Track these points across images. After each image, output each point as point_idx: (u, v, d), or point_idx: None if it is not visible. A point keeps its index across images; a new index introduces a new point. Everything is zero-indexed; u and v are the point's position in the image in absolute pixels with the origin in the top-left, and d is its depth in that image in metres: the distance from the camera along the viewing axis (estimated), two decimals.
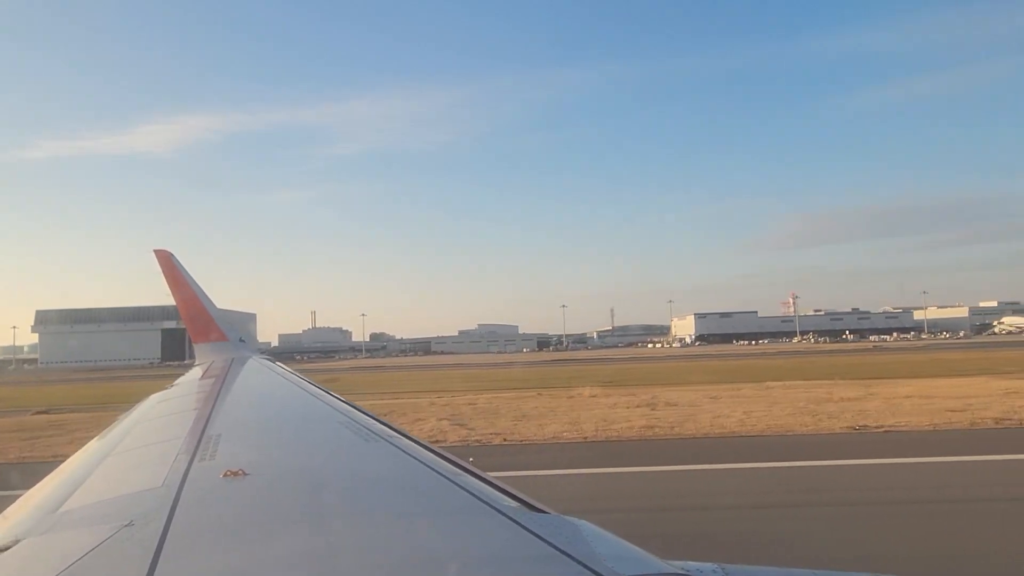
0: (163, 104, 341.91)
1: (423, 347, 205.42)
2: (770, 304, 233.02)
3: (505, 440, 19.43)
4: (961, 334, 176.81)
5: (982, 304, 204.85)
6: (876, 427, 19.46)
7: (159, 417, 4.91)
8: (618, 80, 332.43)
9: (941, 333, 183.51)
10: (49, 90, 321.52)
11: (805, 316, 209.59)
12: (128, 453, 3.53)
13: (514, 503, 2.13)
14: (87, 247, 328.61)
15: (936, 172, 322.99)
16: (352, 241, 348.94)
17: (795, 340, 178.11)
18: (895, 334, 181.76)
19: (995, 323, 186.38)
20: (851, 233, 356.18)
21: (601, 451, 17.60)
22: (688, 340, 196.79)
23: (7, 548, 2.02)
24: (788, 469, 14.94)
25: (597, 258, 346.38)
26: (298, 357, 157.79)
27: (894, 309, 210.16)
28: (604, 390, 33.64)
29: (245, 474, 2.44)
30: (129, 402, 6.61)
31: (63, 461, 3.72)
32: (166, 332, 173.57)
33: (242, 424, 4.21)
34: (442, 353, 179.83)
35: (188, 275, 10.56)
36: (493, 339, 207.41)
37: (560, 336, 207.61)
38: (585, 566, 1.56)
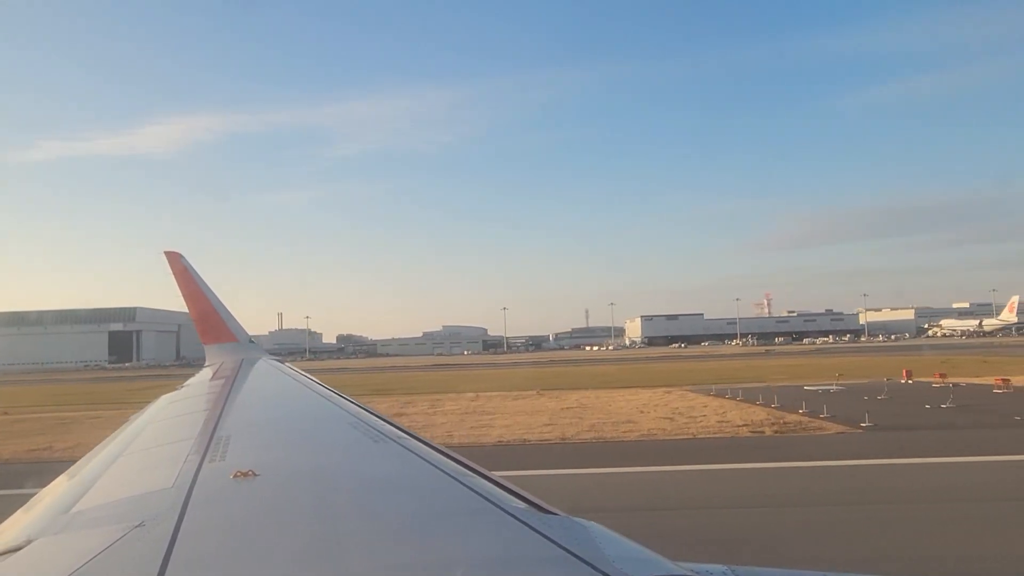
0: (165, 105, 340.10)
1: (372, 349, 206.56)
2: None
3: None
4: (907, 336, 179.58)
5: (934, 306, 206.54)
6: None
7: (170, 418, 4.95)
8: (620, 80, 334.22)
9: (879, 336, 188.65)
10: (51, 91, 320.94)
11: (766, 318, 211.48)
12: (139, 454, 3.56)
13: (523, 504, 2.14)
14: (87, 247, 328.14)
15: (938, 172, 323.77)
16: (340, 242, 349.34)
17: (734, 343, 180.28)
18: (830, 337, 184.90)
19: (928, 326, 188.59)
20: (853, 233, 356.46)
21: None
22: (636, 342, 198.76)
23: (20, 548, 2.05)
24: None
25: (598, 258, 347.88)
26: None
27: (837, 311, 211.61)
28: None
29: (255, 475, 2.45)
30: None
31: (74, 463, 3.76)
32: (113, 334, 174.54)
33: (252, 425, 4.22)
34: (387, 355, 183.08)
35: (198, 276, 10.54)
36: (456, 340, 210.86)
37: (503, 337, 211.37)
38: (594, 567, 1.57)
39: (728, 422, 26.77)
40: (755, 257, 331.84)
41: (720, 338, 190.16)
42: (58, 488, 3.07)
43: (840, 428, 24.71)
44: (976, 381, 40.51)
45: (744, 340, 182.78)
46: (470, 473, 2.58)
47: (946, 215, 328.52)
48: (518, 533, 1.85)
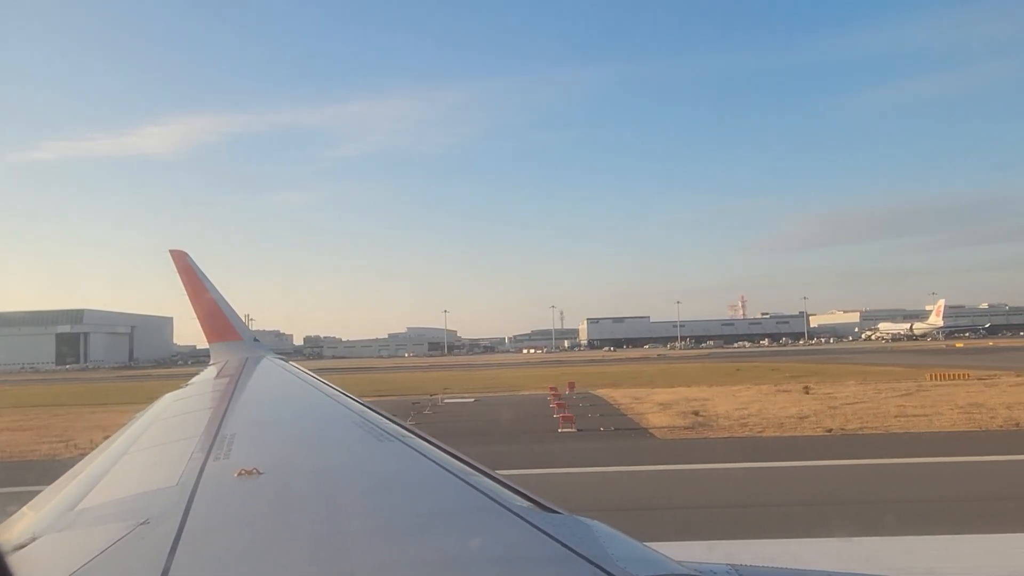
0: (166, 105, 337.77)
1: (317, 352, 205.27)
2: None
3: None
4: (848, 338, 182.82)
5: (879, 308, 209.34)
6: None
7: (174, 416, 4.98)
8: (625, 80, 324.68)
9: (816, 338, 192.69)
10: (53, 92, 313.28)
11: (711, 321, 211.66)
12: (144, 452, 3.58)
13: (526, 503, 2.15)
14: (88, 248, 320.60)
15: (940, 173, 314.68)
16: (336, 242, 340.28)
17: (677, 345, 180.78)
18: (766, 340, 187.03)
19: (866, 331, 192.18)
20: (857, 234, 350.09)
21: None
22: (581, 344, 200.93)
23: (25, 545, 2.07)
24: None
25: (600, 259, 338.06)
26: (180, 362, 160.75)
27: (787, 314, 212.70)
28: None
29: (259, 473, 2.46)
30: None
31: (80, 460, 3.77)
32: (60, 336, 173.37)
33: (256, 423, 4.24)
34: (332, 357, 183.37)
35: (203, 275, 10.54)
36: (419, 342, 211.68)
37: (448, 339, 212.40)
38: (598, 567, 1.58)
39: None
40: (760, 258, 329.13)
41: (665, 340, 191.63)
42: (63, 485, 3.07)
43: None
44: (603, 392, 40.79)
45: (684, 343, 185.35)
46: (474, 472, 2.57)
47: (952, 215, 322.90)
48: (522, 532, 1.85)
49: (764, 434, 24.58)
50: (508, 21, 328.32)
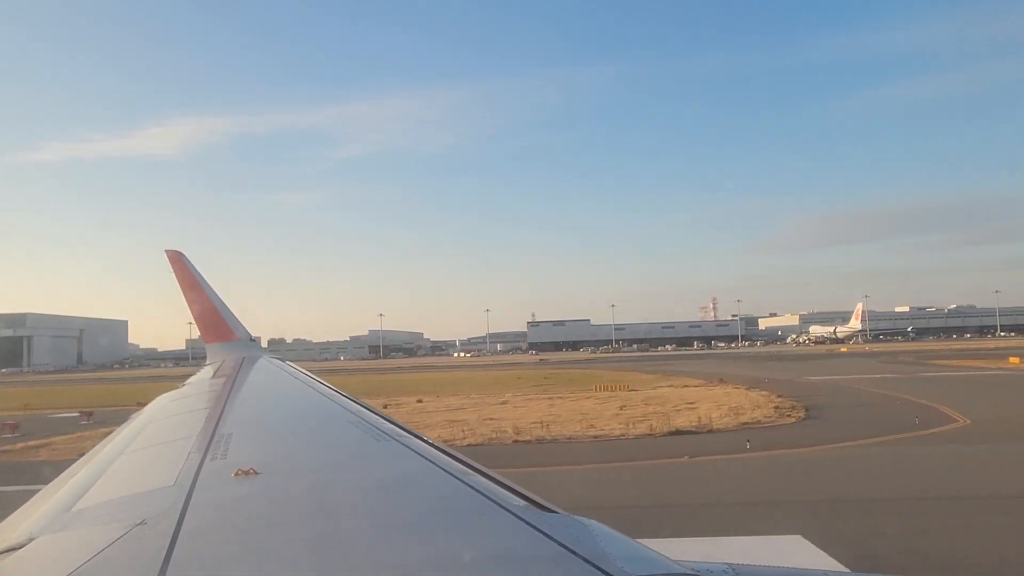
0: (168, 106, 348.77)
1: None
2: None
3: None
4: (780, 342, 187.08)
5: (819, 311, 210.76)
6: None
7: (171, 416, 4.96)
8: (628, 80, 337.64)
9: (756, 341, 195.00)
10: (55, 92, 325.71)
11: (651, 324, 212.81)
12: (140, 452, 3.56)
13: (523, 503, 2.14)
14: (90, 248, 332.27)
15: (943, 173, 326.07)
16: (332, 242, 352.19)
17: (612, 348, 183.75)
18: (696, 344, 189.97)
19: (791, 335, 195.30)
20: (860, 234, 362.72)
21: None
22: (522, 347, 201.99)
23: (22, 546, 2.05)
24: None
25: (601, 259, 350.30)
26: (129, 364, 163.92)
27: (731, 317, 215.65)
28: None
29: (256, 473, 2.45)
30: None
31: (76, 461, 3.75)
32: (1, 340, 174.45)
33: (253, 423, 4.23)
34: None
35: (199, 275, 10.49)
36: (385, 344, 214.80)
37: (413, 340, 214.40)
38: (595, 566, 1.57)
39: None
40: (764, 258, 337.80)
41: (606, 343, 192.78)
42: (60, 486, 3.06)
43: None
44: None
45: (618, 346, 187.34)
46: (471, 472, 2.57)
47: (956, 215, 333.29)
48: (519, 531, 1.85)
49: None
50: (509, 21, 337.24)
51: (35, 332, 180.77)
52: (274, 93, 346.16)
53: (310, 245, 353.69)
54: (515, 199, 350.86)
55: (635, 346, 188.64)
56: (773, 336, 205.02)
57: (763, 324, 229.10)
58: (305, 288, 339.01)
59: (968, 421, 30.02)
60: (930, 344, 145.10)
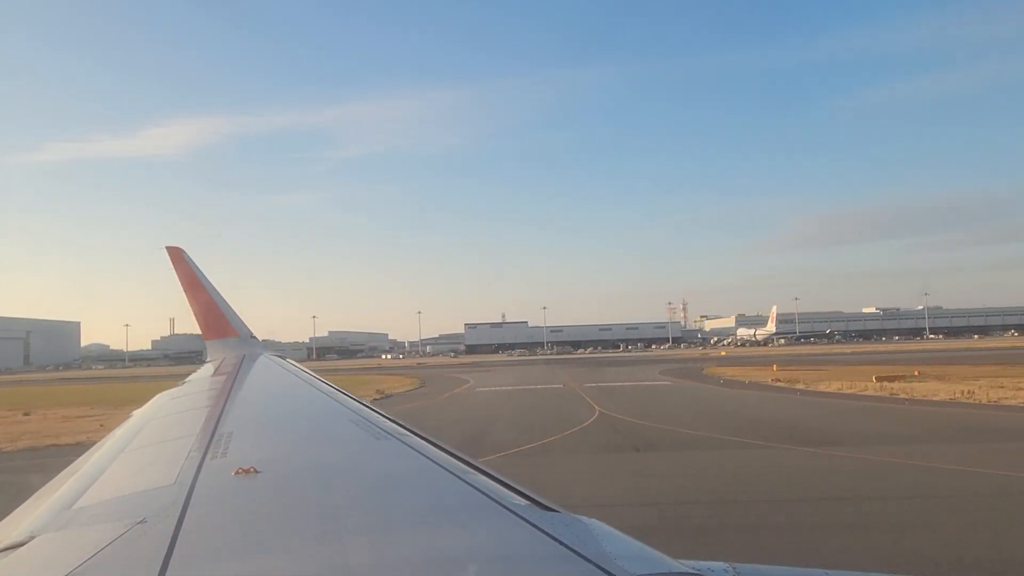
0: (170, 107, 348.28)
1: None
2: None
3: None
4: (727, 342, 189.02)
5: (755, 314, 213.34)
6: None
7: (171, 415, 4.97)
8: (624, 80, 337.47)
9: (692, 344, 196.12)
10: (57, 93, 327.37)
11: (588, 326, 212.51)
12: (141, 450, 3.57)
13: (524, 501, 2.14)
14: (91, 249, 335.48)
15: (946, 173, 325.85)
16: (335, 244, 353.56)
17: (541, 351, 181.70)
18: (628, 346, 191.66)
19: (713, 338, 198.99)
20: (862, 234, 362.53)
21: None
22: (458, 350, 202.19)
23: (22, 544, 2.05)
24: None
25: (603, 259, 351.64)
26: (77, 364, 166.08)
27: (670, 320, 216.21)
28: None
29: (256, 472, 2.46)
30: None
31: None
32: None
33: (253, 422, 4.23)
34: (192, 363, 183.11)
35: (200, 271, 10.48)
36: (338, 345, 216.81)
37: (374, 342, 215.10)
38: (596, 565, 1.57)
39: None
40: (766, 258, 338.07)
41: (542, 345, 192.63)
42: (60, 484, 3.05)
43: None
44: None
45: (553, 348, 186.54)
46: (472, 470, 2.58)
47: (961, 215, 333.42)
48: (520, 530, 1.85)
49: None
50: (510, 21, 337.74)
51: None
52: (276, 93, 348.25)
53: (310, 245, 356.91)
54: (516, 200, 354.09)
55: (583, 349, 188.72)
56: (709, 338, 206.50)
57: (709, 326, 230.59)
58: (302, 287, 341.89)
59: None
60: (816, 347, 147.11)
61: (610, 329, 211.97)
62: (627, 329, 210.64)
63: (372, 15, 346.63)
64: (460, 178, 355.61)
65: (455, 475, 2.47)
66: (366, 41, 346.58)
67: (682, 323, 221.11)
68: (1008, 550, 11.43)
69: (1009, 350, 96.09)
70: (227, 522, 2.05)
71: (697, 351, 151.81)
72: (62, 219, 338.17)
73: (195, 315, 10.27)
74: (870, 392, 39.99)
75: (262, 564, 1.71)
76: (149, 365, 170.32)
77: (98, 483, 2.81)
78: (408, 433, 3.37)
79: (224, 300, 10.45)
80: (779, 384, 48.57)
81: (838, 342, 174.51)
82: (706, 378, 59.81)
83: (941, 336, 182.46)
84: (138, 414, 5.27)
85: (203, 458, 2.81)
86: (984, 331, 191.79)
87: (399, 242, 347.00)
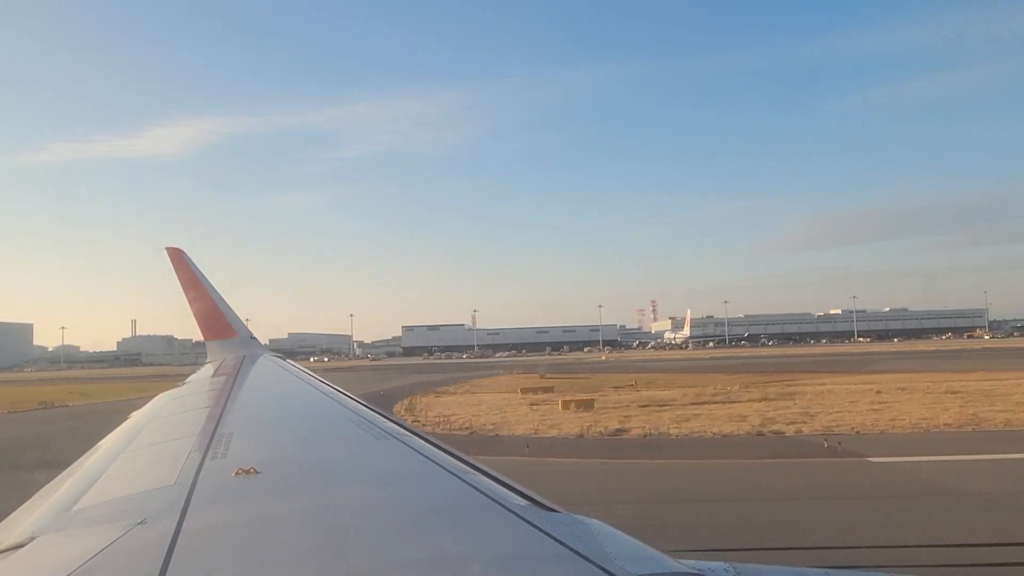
0: (172, 107, 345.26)
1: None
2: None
3: None
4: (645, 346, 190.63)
5: (697, 318, 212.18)
6: None
7: (171, 415, 4.97)
8: (628, 81, 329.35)
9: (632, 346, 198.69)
10: (60, 94, 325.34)
11: (526, 329, 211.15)
12: (141, 451, 3.57)
13: (525, 502, 2.16)
14: (95, 249, 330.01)
15: (949, 173, 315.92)
16: (336, 243, 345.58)
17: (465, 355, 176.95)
18: (564, 348, 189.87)
19: (637, 341, 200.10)
20: (864, 234, 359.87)
21: None
22: (397, 351, 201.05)
23: (22, 545, 2.06)
24: None
25: (605, 260, 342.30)
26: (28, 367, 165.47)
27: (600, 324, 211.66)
28: None
29: (257, 472, 2.46)
30: None
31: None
32: None
33: (254, 422, 4.24)
34: (149, 365, 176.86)
35: (199, 272, 10.49)
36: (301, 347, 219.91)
37: (337, 343, 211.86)
38: (596, 565, 1.58)
39: None
40: (767, 258, 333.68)
41: (483, 348, 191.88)
42: (60, 485, 3.06)
43: None
44: None
45: (483, 351, 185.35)
46: (472, 470, 2.59)
47: (965, 216, 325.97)
48: (520, 530, 1.86)
49: None
50: (511, 22, 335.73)
51: None
52: (278, 94, 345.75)
53: (309, 244, 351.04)
54: (516, 200, 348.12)
55: (537, 352, 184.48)
56: (648, 342, 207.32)
57: (655, 328, 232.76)
58: (301, 286, 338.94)
59: None
60: (718, 351, 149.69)
61: (547, 332, 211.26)
62: (564, 332, 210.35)
63: (373, 16, 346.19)
64: (460, 178, 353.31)
65: (455, 475, 2.47)
66: (368, 43, 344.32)
67: (638, 326, 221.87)
68: None
69: (865, 355, 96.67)
70: (227, 523, 2.06)
71: (602, 355, 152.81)
72: (61, 219, 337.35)
73: (195, 316, 10.31)
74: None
75: (263, 565, 1.72)
76: (107, 366, 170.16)
77: (98, 484, 2.82)
78: (408, 433, 3.39)
79: (224, 301, 10.52)
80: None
81: (764, 345, 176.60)
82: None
83: (868, 339, 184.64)
84: (138, 414, 5.28)
85: (203, 459, 2.81)
86: (918, 334, 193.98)
87: (391, 242, 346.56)
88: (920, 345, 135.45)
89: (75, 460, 3.69)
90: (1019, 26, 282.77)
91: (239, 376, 7.31)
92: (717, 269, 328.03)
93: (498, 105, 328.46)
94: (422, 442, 3.16)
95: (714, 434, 26.92)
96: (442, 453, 2.91)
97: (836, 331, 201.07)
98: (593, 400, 38.07)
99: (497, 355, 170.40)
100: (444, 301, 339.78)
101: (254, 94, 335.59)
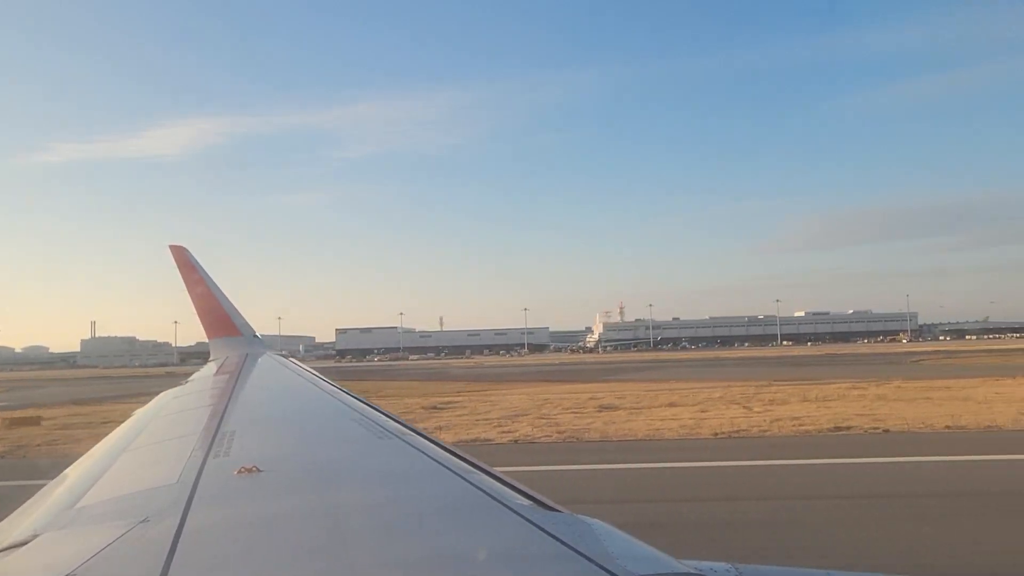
0: (174, 108, 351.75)
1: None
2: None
3: None
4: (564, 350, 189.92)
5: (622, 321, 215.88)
6: None
7: (174, 413, 4.98)
8: (628, 81, 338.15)
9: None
10: (63, 94, 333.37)
11: (456, 331, 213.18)
12: (143, 449, 3.58)
13: (527, 501, 2.15)
14: (98, 249, 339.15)
15: (951, 173, 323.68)
16: (339, 244, 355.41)
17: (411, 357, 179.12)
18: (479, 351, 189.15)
19: (553, 345, 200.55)
20: (866, 235, 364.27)
21: None
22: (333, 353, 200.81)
23: (25, 543, 2.05)
24: None
25: (604, 260, 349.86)
26: None
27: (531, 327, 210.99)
28: None
29: (259, 471, 2.46)
30: None
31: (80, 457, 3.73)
32: None
33: (256, 421, 4.24)
34: (86, 367, 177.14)
35: (203, 270, 10.50)
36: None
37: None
38: (598, 565, 1.57)
39: None
40: (768, 259, 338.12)
41: (415, 351, 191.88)
42: (63, 483, 3.08)
43: None
44: None
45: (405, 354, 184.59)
46: (475, 470, 2.58)
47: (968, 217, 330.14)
48: (523, 530, 1.85)
49: None
50: (511, 22, 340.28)
51: None
52: (279, 94, 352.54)
53: (329, 245, 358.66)
54: (515, 200, 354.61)
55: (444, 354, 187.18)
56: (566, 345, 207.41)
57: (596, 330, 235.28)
58: (299, 287, 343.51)
59: None
60: (625, 355, 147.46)
61: (478, 335, 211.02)
62: (495, 335, 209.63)
63: (373, 17, 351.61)
64: (464, 178, 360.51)
65: (458, 474, 2.47)
66: (370, 44, 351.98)
67: (519, 330, 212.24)
68: None
69: (750, 360, 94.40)
70: (230, 521, 2.05)
71: (535, 356, 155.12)
72: (60, 220, 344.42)
73: (198, 313, 10.27)
74: None
75: (265, 563, 1.71)
76: (42, 368, 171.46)
77: (100, 482, 2.81)
78: (411, 432, 3.40)
79: (227, 299, 10.47)
80: None
81: (684, 348, 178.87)
82: None
83: (789, 343, 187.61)
84: (140, 413, 5.30)
85: (206, 457, 2.82)
86: (846, 338, 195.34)
87: (386, 242, 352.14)
88: (795, 351, 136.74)
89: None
90: (1021, 26, 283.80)
91: (241, 374, 7.28)
92: (710, 269, 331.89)
93: (500, 106, 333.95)
94: (425, 441, 3.17)
95: None
96: (445, 452, 2.92)
97: (765, 334, 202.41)
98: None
99: (412, 358, 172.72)
100: (444, 302, 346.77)
101: (255, 94, 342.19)
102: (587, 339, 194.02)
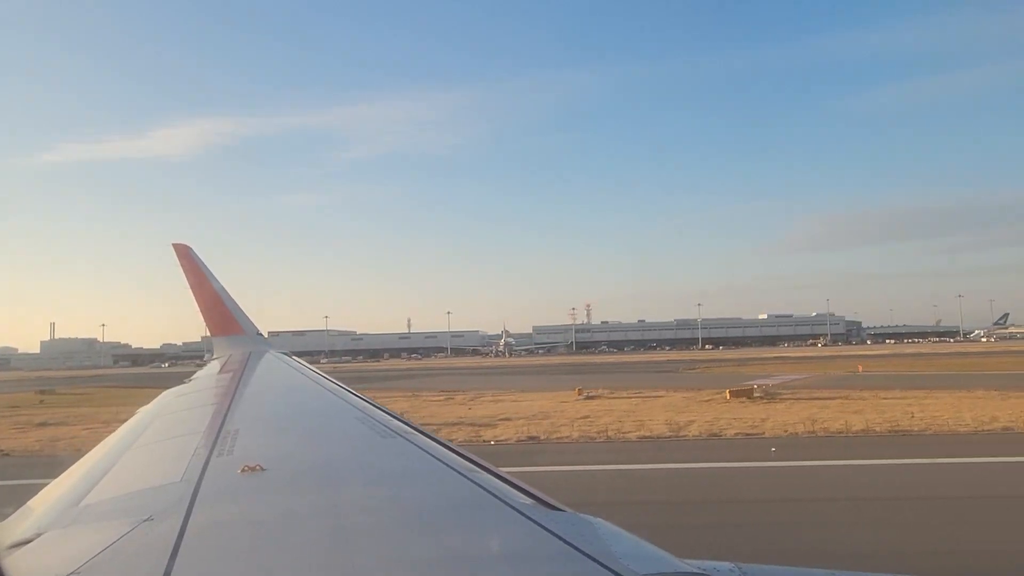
0: (178, 108, 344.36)
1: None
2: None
3: None
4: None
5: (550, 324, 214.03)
6: None
7: (178, 412, 4.98)
8: (631, 82, 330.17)
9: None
10: (66, 95, 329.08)
11: (404, 334, 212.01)
12: (147, 448, 3.59)
13: (530, 500, 2.16)
14: (102, 249, 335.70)
15: (952, 174, 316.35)
16: (341, 244, 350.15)
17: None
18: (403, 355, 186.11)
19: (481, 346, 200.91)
20: (868, 236, 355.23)
21: None
22: None
23: (29, 541, 2.06)
24: None
25: (605, 260, 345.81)
26: None
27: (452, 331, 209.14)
28: None
29: (263, 469, 2.47)
30: None
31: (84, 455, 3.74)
32: None
33: (260, 419, 4.25)
34: (16, 369, 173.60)
35: (206, 268, 10.55)
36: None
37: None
38: (601, 564, 1.58)
39: None
40: (768, 260, 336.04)
41: (346, 354, 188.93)
42: (67, 481, 3.08)
43: None
44: None
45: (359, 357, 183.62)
46: (477, 469, 2.59)
47: (969, 218, 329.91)
48: (525, 529, 1.86)
49: None
50: (513, 23, 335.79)
51: None
52: (282, 95, 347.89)
53: (332, 245, 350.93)
54: (517, 201, 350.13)
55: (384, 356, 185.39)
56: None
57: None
58: (296, 287, 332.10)
59: None
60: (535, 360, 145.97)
61: (409, 338, 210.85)
62: (426, 338, 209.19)
63: (376, 18, 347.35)
64: (465, 178, 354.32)
65: (461, 474, 2.48)
66: (372, 44, 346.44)
67: (448, 332, 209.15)
68: None
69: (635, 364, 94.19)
70: (234, 520, 2.06)
71: (464, 358, 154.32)
72: (62, 219, 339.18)
73: (201, 312, 10.31)
74: None
75: (269, 562, 1.72)
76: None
77: (105, 480, 2.82)
78: (414, 431, 3.41)
79: (231, 297, 10.49)
80: None
81: (603, 352, 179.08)
82: None
83: (710, 347, 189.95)
84: (144, 411, 5.31)
85: (209, 455, 2.81)
86: (773, 341, 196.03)
87: (384, 242, 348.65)
88: (662, 356, 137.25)
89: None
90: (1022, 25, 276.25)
91: (245, 373, 7.30)
92: (706, 270, 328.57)
93: (501, 106, 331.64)
94: (428, 440, 3.18)
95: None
96: (448, 451, 2.92)
97: (691, 338, 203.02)
98: None
99: (323, 361, 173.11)
100: (444, 301, 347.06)
101: (259, 95, 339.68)
102: (499, 343, 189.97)
